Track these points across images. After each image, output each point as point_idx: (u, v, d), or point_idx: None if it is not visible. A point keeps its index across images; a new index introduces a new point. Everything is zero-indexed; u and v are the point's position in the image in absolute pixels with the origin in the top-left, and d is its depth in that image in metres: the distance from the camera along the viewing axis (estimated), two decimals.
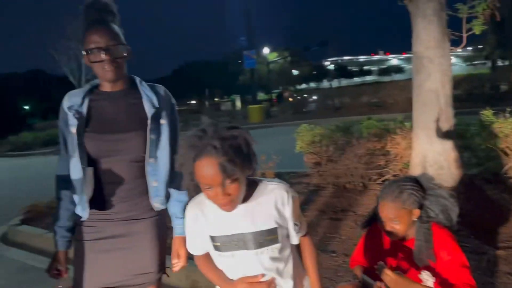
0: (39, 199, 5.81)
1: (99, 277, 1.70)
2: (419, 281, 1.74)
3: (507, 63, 30.50)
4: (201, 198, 1.42)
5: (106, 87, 1.74)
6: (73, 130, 1.67)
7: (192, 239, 1.51)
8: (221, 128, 1.28)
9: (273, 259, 1.41)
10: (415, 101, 4.20)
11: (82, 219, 1.72)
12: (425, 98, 4.08)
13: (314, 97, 24.68)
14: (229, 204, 1.32)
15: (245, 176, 1.31)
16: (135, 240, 1.73)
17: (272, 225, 1.39)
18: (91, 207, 1.69)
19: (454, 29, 4.03)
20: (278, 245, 1.41)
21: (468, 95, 15.54)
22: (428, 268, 1.75)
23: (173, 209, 1.80)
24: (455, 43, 4.08)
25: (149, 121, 1.69)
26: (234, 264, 1.41)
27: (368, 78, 66.44)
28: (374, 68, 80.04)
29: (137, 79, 1.80)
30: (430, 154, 4.09)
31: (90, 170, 1.66)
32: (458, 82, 15.21)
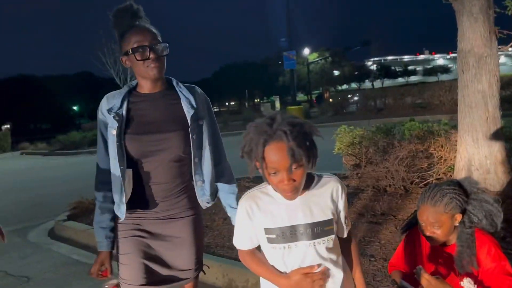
0: (84, 196, 6.06)
1: (143, 274, 1.72)
2: None
3: None
4: (254, 192, 1.48)
5: (145, 88, 1.76)
6: (113, 132, 1.68)
7: (241, 234, 1.51)
8: (289, 115, 1.34)
9: (329, 249, 1.43)
10: (461, 102, 4.05)
11: (122, 219, 1.75)
12: (471, 99, 3.92)
13: (355, 98, 24.28)
14: (292, 191, 1.35)
15: (307, 165, 1.35)
16: (175, 238, 1.77)
17: (328, 216, 1.42)
18: (132, 207, 1.72)
19: (502, 27, 3.85)
20: (333, 236, 1.44)
21: None
22: (470, 276, 1.68)
23: (227, 200, 1.86)
24: (504, 41, 3.90)
25: (189, 122, 1.72)
26: (289, 255, 1.41)
27: (413, 78, 64.61)
28: (419, 68, 77.69)
29: (174, 81, 1.82)
30: (476, 157, 3.93)
31: (129, 172, 1.68)
32: (506, 83, 14.49)
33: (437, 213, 1.71)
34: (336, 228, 1.46)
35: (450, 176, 4.25)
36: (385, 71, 64.13)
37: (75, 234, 5.22)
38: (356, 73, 59.65)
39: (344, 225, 1.51)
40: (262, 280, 1.53)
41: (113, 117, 1.69)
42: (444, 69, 66.18)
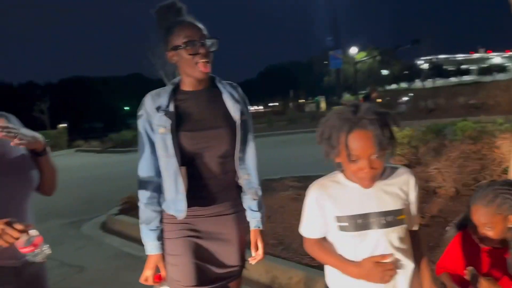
0: (135, 192, 6.27)
1: (196, 275, 1.71)
2: None
3: None
4: (323, 181, 1.50)
5: (190, 85, 1.76)
6: (162, 130, 1.67)
7: (311, 222, 1.52)
8: (374, 105, 1.37)
9: (401, 239, 1.44)
10: None
11: (180, 217, 1.71)
12: None
13: (405, 98, 23.52)
14: (371, 179, 1.38)
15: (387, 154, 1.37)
16: (223, 235, 1.78)
17: (400, 206, 1.44)
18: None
19: None
20: (405, 226, 1.45)
21: None
22: None
23: (248, 202, 1.84)
24: None
25: (236, 117, 1.74)
26: (361, 244, 1.42)
27: (466, 78, 61.74)
28: (473, 67, 74.06)
29: (216, 78, 1.83)
30: None
31: (184, 169, 1.68)
32: None
33: (490, 214, 1.63)
34: (407, 220, 1.46)
35: (505, 178, 4.03)
36: (436, 70, 61.72)
37: (126, 228, 5.43)
38: (405, 72, 57.82)
39: (415, 218, 1.52)
40: (327, 269, 1.54)
41: (164, 115, 1.68)
42: (501, 68, 62.79)
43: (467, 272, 1.59)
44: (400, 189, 1.46)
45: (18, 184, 1.51)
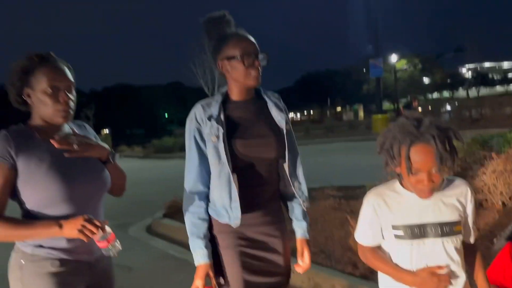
0: (179, 196, 6.47)
1: (246, 284, 1.71)
2: None
3: None
4: (380, 189, 1.55)
5: (238, 95, 1.80)
6: (215, 138, 1.70)
7: (367, 230, 1.56)
8: (436, 119, 1.41)
9: (456, 250, 1.47)
10: None
11: (235, 225, 1.71)
12: None
13: (448, 107, 22.88)
14: (430, 191, 1.42)
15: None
16: (271, 243, 1.80)
17: (457, 217, 1.47)
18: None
19: None
20: (461, 237, 1.48)
21: None
22: None
23: (296, 211, 1.88)
24: None
25: (283, 126, 1.80)
26: (417, 252, 1.46)
27: None
28: None
29: (261, 89, 1.88)
30: None
31: (235, 177, 1.72)
32: None
33: None
34: (463, 232, 1.49)
35: None
36: (481, 79, 59.42)
37: (171, 231, 5.62)
38: (448, 80, 56.03)
39: (472, 230, 1.54)
40: (381, 276, 1.57)
41: (216, 123, 1.70)
42: None
43: None
44: (457, 200, 1.49)
45: (97, 184, 1.67)
